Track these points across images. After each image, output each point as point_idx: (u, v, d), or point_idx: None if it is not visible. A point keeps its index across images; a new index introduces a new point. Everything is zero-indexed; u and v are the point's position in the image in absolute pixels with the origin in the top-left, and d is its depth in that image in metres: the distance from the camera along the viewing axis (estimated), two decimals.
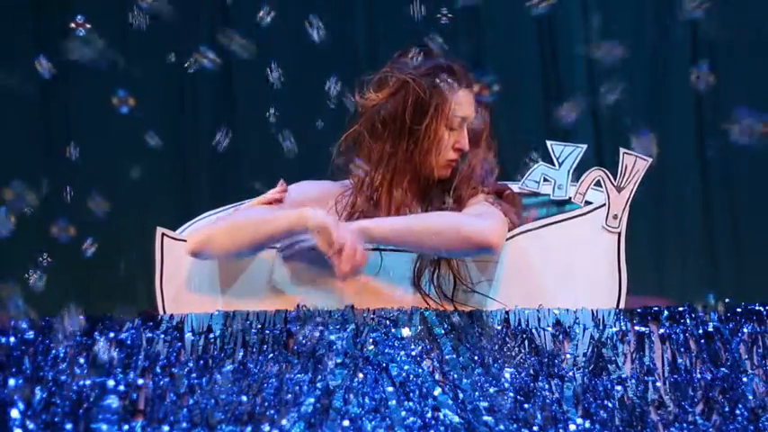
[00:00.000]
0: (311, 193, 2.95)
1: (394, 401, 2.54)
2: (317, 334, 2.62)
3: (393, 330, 2.66)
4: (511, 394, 2.57)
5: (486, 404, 2.55)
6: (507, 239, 2.84)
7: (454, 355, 2.63)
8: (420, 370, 2.60)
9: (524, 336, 2.68)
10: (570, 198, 2.93)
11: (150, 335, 2.68)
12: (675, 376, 2.64)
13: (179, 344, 2.67)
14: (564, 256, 2.87)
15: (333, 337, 2.64)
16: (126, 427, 2.55)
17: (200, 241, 2.80)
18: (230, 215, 2.88)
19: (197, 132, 4.53)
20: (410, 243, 2.76)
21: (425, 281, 2.79)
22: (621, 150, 2.89)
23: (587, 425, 2.54)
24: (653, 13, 4.55)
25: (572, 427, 2.54)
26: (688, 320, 2.70)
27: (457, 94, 2.90)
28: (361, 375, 2.58)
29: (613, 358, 2.65)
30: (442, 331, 2.67)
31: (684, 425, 2.57)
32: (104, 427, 2.54)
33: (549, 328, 2.69)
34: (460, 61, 2.96)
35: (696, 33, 4.53)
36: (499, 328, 2.70)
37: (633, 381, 2.62)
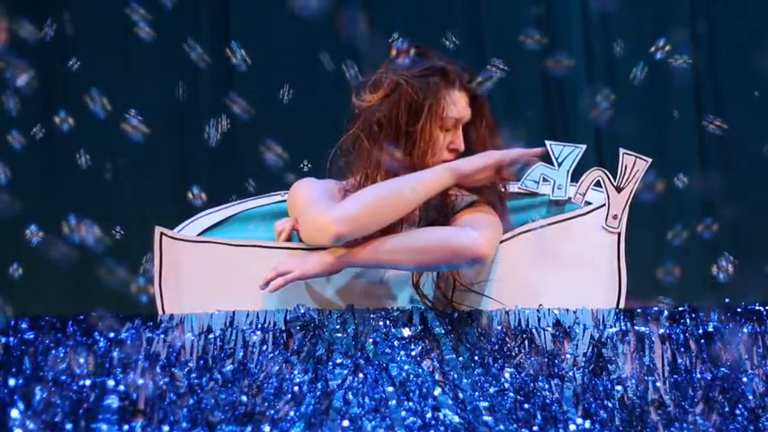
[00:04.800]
0: (322, 189, 2.94)
1: (394, 401, 2.54)
2: None
3: (393, 330, 2.66)
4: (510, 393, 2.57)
5: (486, 404, 2.55)
6: (507, 239, 2.84)
7: (454, 355, 2.63)
8: (420, 370, 2.60)
9: (524, 336, 2.68)
10: (570, 198, 2.93)
11: (150, 335, 2.68)
12: (675, 376, 2.64)
13: (179, 344, 2.67)
14: (564, 257, 2.86)
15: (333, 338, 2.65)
16: (126, 427, 2.55)
17: (350, 226, 2.72)
18: (361, 193, 2.80)
19: (197, 132, 4.53)
20: (399, 264, 2.75)
21: (424, 282, 2.79)
22: (621, 151, 2.88)
23: (587, 425, 2.54)
24: (653, 12, 4.55)
25: (572, 427, 2.54)
26: (688, 320, 2.70)
27: (450, 95, 2.89)
28: (361, 375, 2.58)
29: (613, 358, 2.65)
30: (443, 331, 2.67)
31: (684, 425, 2.57)
32: (104, 427, 2.54)
33: (549, 328, 2.69)
34: (458, 61, 2.95)
35: (696, 32, 4.53)
36: (499, 328, 2.70)
37: (633, 381, 2.62)
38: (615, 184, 2.88)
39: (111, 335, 2.67)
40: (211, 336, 2.69)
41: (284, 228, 2.88)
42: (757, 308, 2.72)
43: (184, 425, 2.54)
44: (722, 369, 2.64)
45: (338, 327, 2.67)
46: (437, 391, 2.56)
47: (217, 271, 2.85)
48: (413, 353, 2.62)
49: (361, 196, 2.78)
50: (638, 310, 2.72)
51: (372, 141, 2.87)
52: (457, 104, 2.89)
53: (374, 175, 2.86)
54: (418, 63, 2.90)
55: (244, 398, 2.56)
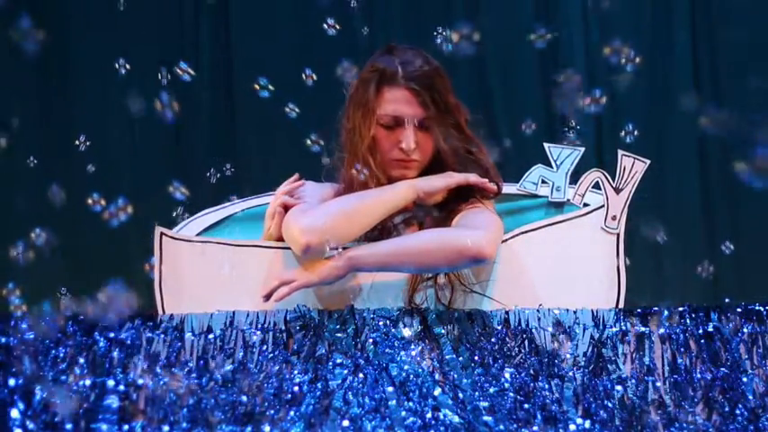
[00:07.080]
0: (314, 194, 2.94)
1: (394, 401, 2.54)
2: None
3: (393, 330, 2.66)
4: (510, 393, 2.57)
5: (486, 404, 2.55)
6: (507, 239, 2.84)
7: (454, 355, 2.63)
8: (420, 370, 2.60)
9: (524, 336, 2.68)
10: (568, 200, 2.93)
11: (150, 335, 2.68)
12: (675, 376, 2.64)
13: (179, 344, 2.67)
14: (563, 258, 2.87)
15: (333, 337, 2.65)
16: (126, 427, 2.55)
17: (317, 236, 2.70)
18: (327, 205, 2.80)
19: (197, 131, 4.53)
20: (402, 266, 2.73)
21: (421, 288, 2.78)
22: (620, 152, 2.89)
23: (587, 425, 2.55)
24: (653, 11, 4.55)
25: (572, 427, 2.54)
26: (688, 320, 2.70)
27: (386, 92, 2.84)
28: (361, 375, 2.58)
29: (613, 358, 2.65)
30: (443, 331, 2.67)
31: (684, 425, 2.57)
32: (104, 427, 2.54)
33: (549, 328, 2.69)
34: (416, 59, 2.87)
35: (696, 31, 4.53)
36: (499, 328, 2.70)
37: (633, 381, 2.62)
38: (614, 186, 2.88)
39: (111, 335, 2.67)
40: (211, 336, 2.69)
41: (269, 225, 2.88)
42: (757, 308, 2.72)
43: (184, 425, 2.54)
44: (722, 369, 2.64)
45: (338, 327, 2.67)
46: (437, 391, 2.56)
47: (217, 271, 2.85)
48: (413, 353, 2.62)
49: (326, 208, 2.78)
50: (638, 310, 2.72)
51: (339, 142, 2.90)
52: (395, 102, 2.84)
53: (348, 177, 2.86)
54: (374, 61, 2.89)
55: (244, 398, 2.56)
